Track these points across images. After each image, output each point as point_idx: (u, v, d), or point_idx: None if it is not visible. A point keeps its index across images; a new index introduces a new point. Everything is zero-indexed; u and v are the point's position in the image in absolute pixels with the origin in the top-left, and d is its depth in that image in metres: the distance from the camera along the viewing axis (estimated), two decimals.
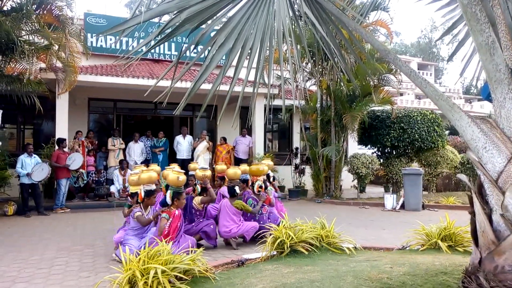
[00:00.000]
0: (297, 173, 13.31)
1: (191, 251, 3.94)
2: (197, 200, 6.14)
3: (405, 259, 3.98)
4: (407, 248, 4.95)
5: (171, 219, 4.94)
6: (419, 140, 12.23)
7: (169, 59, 13.98)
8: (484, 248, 2.51)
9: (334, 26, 3.78)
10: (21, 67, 9.80)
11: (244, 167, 7.43)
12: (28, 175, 9.06)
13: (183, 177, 5.42)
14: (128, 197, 6.07)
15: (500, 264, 2.38)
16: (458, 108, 2.61)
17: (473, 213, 2.67)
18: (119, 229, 6.15)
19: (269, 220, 6.50)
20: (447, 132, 14.48)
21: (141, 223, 5.28)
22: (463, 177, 2.85)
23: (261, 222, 6.31)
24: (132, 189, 5.77)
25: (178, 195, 5.15)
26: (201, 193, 6.19)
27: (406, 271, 3.40)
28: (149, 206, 5.54)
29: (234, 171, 6.83)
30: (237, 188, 6.37)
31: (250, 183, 6.89)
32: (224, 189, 6.86)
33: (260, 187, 6.51)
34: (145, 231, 5.41)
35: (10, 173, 10.01)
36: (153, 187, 5.68)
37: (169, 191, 5.19)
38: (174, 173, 5.46)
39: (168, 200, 5.09)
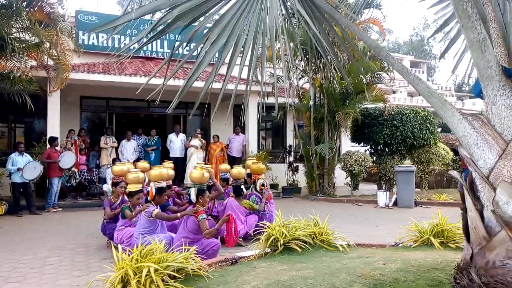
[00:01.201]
0: (291, 171, 13.33)
1: (184, 249, 3.93)
2: None
3: (397, 256, 4.01)
4: (400, 245, 4.98)
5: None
6: (412, 137, 12.30)
7: (162, 57, 13.91)
8: (475, 244, 2.53)
9: (327, 24, 3.78)
10: (11, 64, 9.67)
11: (225, 166, 7.58)
12: (19, 169, 8.99)
13: (208, 174, 5.21)
14: (125, 196, 5.92)
15: (491, 259, 2.40)
16: (449, 105, 2.63)
17: (464, 209, 2.70)
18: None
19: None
20: (439, 129, 14.58)
21: (165, 220, 5.04)
22: (454, 173, 2.87)
23: (264, 220, 6.33)
24: (130, 188, 5.53)
25: (203, 192, 4.93)
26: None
27: (399, 268, 3.42)
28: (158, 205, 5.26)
29: (238, 170, 6.74)
30: (243, 187, 6.39)
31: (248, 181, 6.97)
32: None
33: (263, 185, 6.53)
34: (155, 231, 5.02)
35: (1, 172, 9.91)
36: (164, 184, 5.37)
37: (193, 189, 4.94)
38: (198, 169, 5.19)
39: (193, 197, 4.86)
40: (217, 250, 4.83)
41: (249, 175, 7.04)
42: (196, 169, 5.22)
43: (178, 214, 4.99)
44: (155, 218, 4.94)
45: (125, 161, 11.45)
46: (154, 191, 5.04)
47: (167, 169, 5.97)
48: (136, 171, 5.74)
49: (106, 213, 5.96)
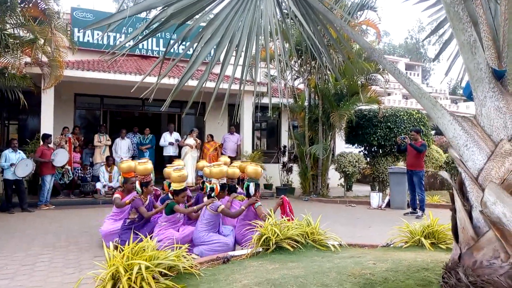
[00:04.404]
0: (285, 171, 13.35)
1: (177, 247, 3.93)
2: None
3: (388, 256, 4.03)
4: (391, 245, 5.00)
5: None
6: None
7: (157, 55, 13.89)
8: (464, 244, 2.56)
9: (321, 25, 3.80)
10: (5, 61, 9.63)
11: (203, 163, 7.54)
12: (12, 165, 8.94)
13: (261, 170, 6.03)
14: (169, 194, 5.72)
15: (478, 259, 2.42)
16: (440, 106, 2.65)
17: (454, 210, 2.72)
18: (157, 230, 5.41)
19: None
20: (433, 132, 14.66)
21: (230, 215, 5.50)
22: (444, 174, 2.90)
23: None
24: (175, 186, 5.45)
25: (258, 186, 5.70)
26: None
27: (389, 267, 3.44)
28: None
29: (233, 171, 6.80)
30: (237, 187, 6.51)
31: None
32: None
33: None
34: (218, 223, 5.43)
35: None
36: (225, 180, 5.87)
37: (252, 183, 5.61)
38: (253, 165, 5.97)
39: (252, 191, 5.57)
40: None
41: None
42: (251, 165, 5.99)
43: (243, 207, 5.48)
44: (219, 213, 5.35)
45: (120, 159, 11.45)
46: (219, 187, 5.58)
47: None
48: (180, 169, 5.64)
49: (144, 213, 5.58)
